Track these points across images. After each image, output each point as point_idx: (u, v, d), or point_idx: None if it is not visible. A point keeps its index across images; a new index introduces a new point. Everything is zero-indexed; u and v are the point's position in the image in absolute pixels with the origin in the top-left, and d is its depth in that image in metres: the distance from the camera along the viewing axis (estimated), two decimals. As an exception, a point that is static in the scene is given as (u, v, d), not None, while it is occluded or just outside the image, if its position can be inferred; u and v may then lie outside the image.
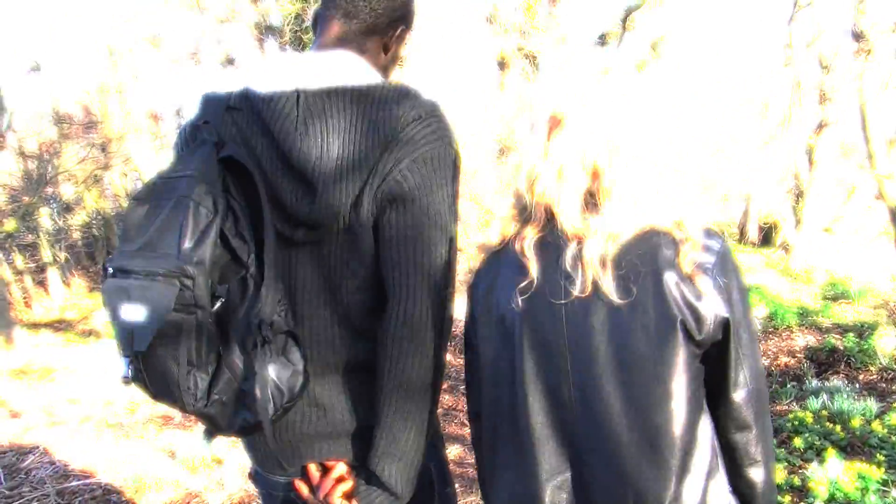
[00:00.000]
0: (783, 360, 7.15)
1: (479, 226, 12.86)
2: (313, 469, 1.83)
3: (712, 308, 1.50)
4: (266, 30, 17.79)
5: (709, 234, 1.56)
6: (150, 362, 1.56)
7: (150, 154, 21.24)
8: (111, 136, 17.43)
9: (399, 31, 1.88)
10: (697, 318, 1.49)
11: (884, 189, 9.34)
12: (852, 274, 10.55)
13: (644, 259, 1.51)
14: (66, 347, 10.79)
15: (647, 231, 1.53)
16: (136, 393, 7.41)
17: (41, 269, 14.44)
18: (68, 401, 7.78)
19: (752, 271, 11.34)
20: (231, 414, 1.64)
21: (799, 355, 7.21)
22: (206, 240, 1.54)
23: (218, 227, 1.57)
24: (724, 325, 1.52)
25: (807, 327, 8.16)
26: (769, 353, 7.39)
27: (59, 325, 12.21)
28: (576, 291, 1.53)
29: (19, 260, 14.30)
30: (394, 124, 1.63)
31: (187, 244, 1.53)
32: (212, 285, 1.57)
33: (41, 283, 14.43)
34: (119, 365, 1.58)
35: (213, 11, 21.13)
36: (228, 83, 1.74)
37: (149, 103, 20.74)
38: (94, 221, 17.09)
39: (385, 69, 1.88)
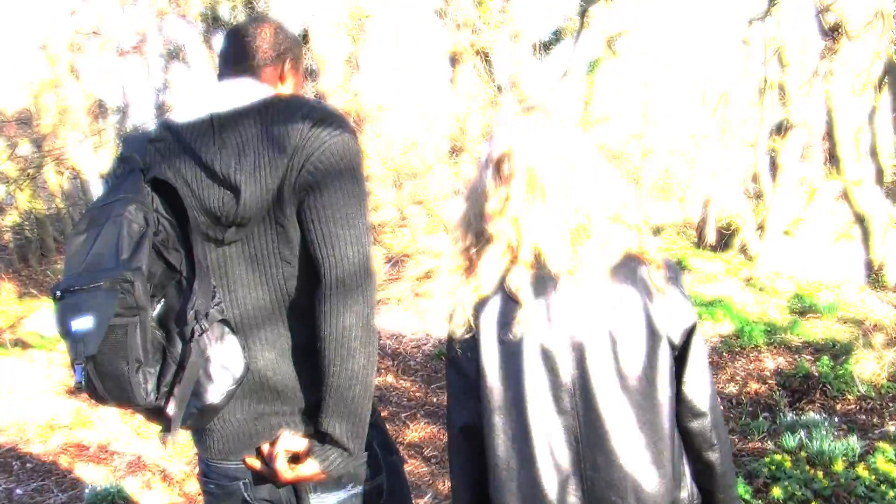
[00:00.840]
0: (753, 386, 6.57)
1: (426, 230, 12.59)
2: (265, 447, 1.99)
3: (684, 318, 1.84)
4: (213, 21, 17.56)
5: (662, 256, 1.90)
6: (101, 366, 1.74)
7: (88, 151, 20.54)
8: (45, 132, 16.65)
9: (288, 62, 2.16)
10: (676, 329, 1.82)
11: (852, 195, 8.95)
12: (817, 281, 10.06)
13: (627, 281, 1.82)
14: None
15: (624, 257, 1.85)
16: (57, 414, 6.83)
17: (-32, 272, 13.61)
18: (-26, 424, 7.13)
19: (712, 280, 10.73)
20: (193, 408, 1.86)
21: (770, 381, 6.60)
22: (141, 249, 1.76)
23: (150, 238, 1.79)
24: (690, 331, 1.85)
25: (776, 346, 7.49)
26: (737, 377, 6.84)
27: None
28: (572, 315, 1.81)
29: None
30: (301, 128, 1.88)
31: (124, 255, 1.74)
32: (151, 290, 1.80)
33: (-33, 288, 13.61)
34: (73, 373, 1.77)
35: (156, 4, 20.60)
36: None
37: (87, 98, 19.99)
38: (26, 222, 16.24)
39: (285, 86, 2.17)
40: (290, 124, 1.88)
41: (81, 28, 20.87)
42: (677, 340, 1.82)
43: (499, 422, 1.85)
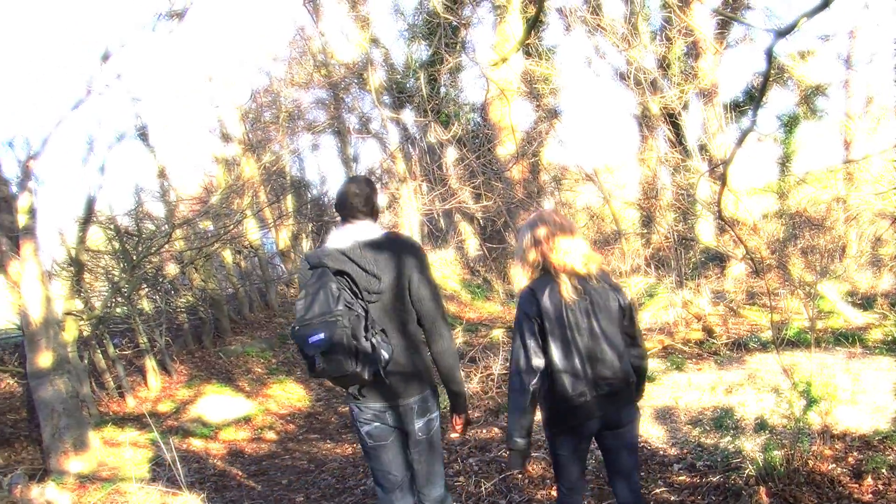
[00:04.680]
0: None
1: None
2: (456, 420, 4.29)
3: (625, 297, 3.95)
4: (399, 93, 19.21)
5: (607, 270, 4.25)
6: (328, 356, 3.61)
7: (267, 228, 20.53)
8: (222, 211, 16.54)
9: (376, 203, 4.17)
10: (623, 302, 3.94)
11: None
12: None
13: (604, 279, 3.97)
14: (145, 449, 9.71)
15: (600, 268, 4.01)
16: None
17: (141, 354, 13.36)
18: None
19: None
20: (370, 372, 3.70)
21: None
22: (340, 301, 3.66)
23: (344, 296, 3.69)
24: (630, 304, 4.00)
25: None
26: None
27: (147, 421, 11.03)
28: (584, 293, 3.88)
29: (122, 347, 13.29)
30: (403, 251, 3.91)
31: (331, 304, 3.64)
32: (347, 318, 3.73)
33: (141, 371, 13.36)
34: (313, 362, 3.68)
35: (340, 86, 20.72)
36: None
37: (266, 175, 20.00)
38: (200, 303, 16.03)
39: (377, 218, 4.23)
40: (399, 250, 3.89)
41: (257, 105, 21.09)
42: (625, 305, 3.96)
43: (554, 343, 3.80)
